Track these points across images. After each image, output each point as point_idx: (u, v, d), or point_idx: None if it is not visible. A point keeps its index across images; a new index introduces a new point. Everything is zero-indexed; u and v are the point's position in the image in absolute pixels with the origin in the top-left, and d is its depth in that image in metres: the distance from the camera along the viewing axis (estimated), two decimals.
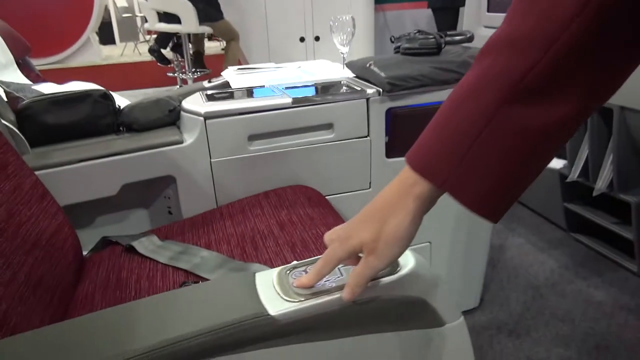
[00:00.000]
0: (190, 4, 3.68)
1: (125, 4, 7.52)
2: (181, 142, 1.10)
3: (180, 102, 1.18)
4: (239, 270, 0.82)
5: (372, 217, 0.50)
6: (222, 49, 5.18)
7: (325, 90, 1.23)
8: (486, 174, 0.44)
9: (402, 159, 1.32)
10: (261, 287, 0.55)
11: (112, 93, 1.20)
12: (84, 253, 0.97)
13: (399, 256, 0.50)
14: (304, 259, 0.85)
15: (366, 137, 1.22)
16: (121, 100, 1.45)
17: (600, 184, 1.59)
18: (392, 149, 1.26)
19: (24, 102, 1.08)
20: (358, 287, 0.50)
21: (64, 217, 0.90)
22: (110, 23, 7.45)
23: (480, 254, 1.48)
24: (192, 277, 0.83)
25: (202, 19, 3.80)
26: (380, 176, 1.26)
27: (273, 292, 0.54)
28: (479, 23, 1.93)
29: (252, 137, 1.14)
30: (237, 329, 0.49)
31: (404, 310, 0.56)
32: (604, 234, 1.74)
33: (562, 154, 1.80)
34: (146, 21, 4.61)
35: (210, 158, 1.12)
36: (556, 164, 1.83)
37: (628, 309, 1.49)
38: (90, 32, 5.60)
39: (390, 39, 1.37)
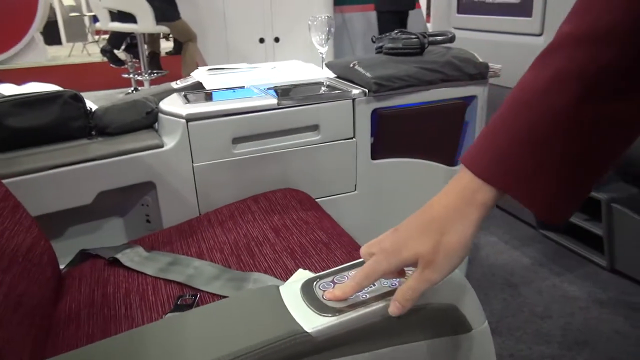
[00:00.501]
0: (146, 3, 3.55)
1: (72, 3, 7.20)
2: (161, 146, 1.04)
3: (157, 104, 1.11)
4: (239, 281, 0.77)
5: (428, 227, 0.46)
6: (167, 53, 5.04)
7: (310, 90, 1.20)
8: (558, 176, 0.42)
9: (388, 160, 1.30)
10: (289, 302, 0.51)
11: None
12: (61, 267, 0.89)
13: (455, 268, 0.47)
14: (307, 266, 0.82)
15: (352, 138, 1.19)
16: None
17: None
18: (378, 151, 1.24)
19: None
20: (409, 303, 0.48)
21: (38, 230, 0.82)
22: (55, 22, 7.10)
23: None
24: (187, 290, 0.77)
25: (159, 18, 3.67)
26: (366, 178, 1.24)
27: (303, 306, 0.50)
28: (449, 24, 1.95)
29: (237, 140, 1.09)
30: (272, 350, 0.45)
31: (435, 318, 0.54)
32: (573, 231, 1.79)
33: None
34: (96, 20, 4.42)
35: (193, 162, 1.06)
36: None
37: (601, 302, 1.53)
38: (35, 31, 5.33)
39: (372, 39, 1.35)
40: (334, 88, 1.19)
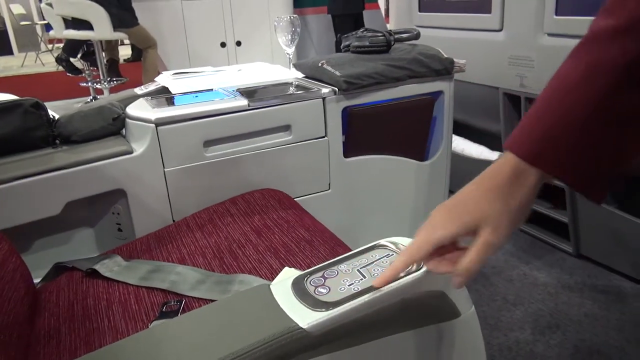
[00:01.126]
0: (102, 9, 3.46)
1: (23, 11, 6.94)
2: (130, 152, 1.01)
3: (124, 109, 1.09)
4: (225, 283, 0.77)
5: (494, 194, 0.47)
6: (125, 60, 4.93)
7: (280, 91, 1.19)
8: (596, 158, 0.45)
9: (360, 157, 1.31)
10: (281, 300, 0.51)
11: None
12: (35, 281, 0.86)
13: (511, 234, 0.48)
14: (292, 264, 0.81)
15: (324, 137, 1.19)
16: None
17: None
18: (350, 148, 1.24)
19: None
20: (473, 273, 0.47)
21: (9, 246, 0.79)
22: (6, 32, 6.84)
23: None
24: (172, 296, 0.76)
25: (116, 24, 3.59)
26: (339, 177, 1.24)
27: (296, 303, 0.50)
28: (411, 22, 1.98)
29: (208, 143, 1.07)
30: (270, 348, 0.44)
31: (425, 306, 0.54)
32: (539, 220, 1.85)
33: (498, 146, 1.89)
34: (49, 29, 4.28)
35: (164, 168, 1.04)
36: (492, 155, 1.92)
37: (569, 287, 1.58)
38: None
39: (339, 38, 1.36)
40: (304, 88, 1.19)
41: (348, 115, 1.21)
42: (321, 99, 1.16)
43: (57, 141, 1.06)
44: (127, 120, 1.07)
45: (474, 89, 1.84)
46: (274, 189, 1.12)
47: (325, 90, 1.17)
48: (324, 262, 0.69)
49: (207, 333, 0.49)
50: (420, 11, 1.94)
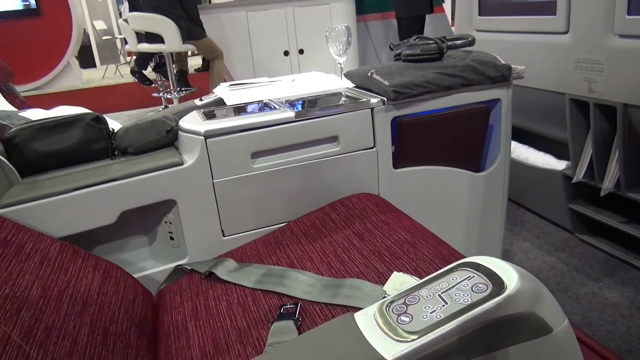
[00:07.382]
0: (173, 23, 3.63)
1: (105, 27, 7.45)
2: (181, 164, 1.05)
3: (177, 122, 1.13)
4: (334, 287, 0.80)
5: None
6: (196, 70, 5.16)
7: (328, 102, 1.19)
8: None
9: (411, 169, 1.29)
10: (365, 330, 0.51)
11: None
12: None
13: None
14: (398, 267, 0.84)
15: (372, 148, 1.18)
16: (110, 123, 1.40)
17: (608, 184, 1.57)
18: (400, 159, 1.22)
19: (12, 130, 1.02)
20: None
21: (107, 264, 0.88)
22: (90, 46, 7.37)
23: None
24: (286, 299, 0.80)
25: (185, 37, 3.75)
26: (389, 188, 1.22)
27: (380, 333, 0.50)
28: (470, 27, 1.91)
29: (255, 155, 1.09)
30: None
31: (513, 327, 0.52)
32: (610, 234, 1.71)
33: (565, 155, 1.78)
34: (127, 43, 4.56)
35: (213, 179, 1.07)
36: (558, 165, 1.81)
37: None
38: (70, 56, 5.54)
39: (390, 47, 1.34)
40: (352, 98, 1.18)
41: (398, 126, 1.19)
42: (369, 110, 1.15)
43: (117, 152, 1.12)
44: (180, 132, 1.11)
45: (539, 95, 1.74)
46: (370, 193, 1.15)
47: (374, 100, 1.15)
48: (429, 264, 0.68)
49: None
50: (480, 15, 1.87)
